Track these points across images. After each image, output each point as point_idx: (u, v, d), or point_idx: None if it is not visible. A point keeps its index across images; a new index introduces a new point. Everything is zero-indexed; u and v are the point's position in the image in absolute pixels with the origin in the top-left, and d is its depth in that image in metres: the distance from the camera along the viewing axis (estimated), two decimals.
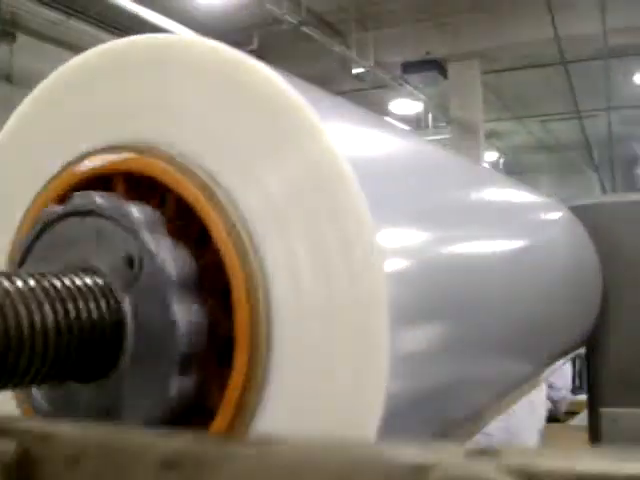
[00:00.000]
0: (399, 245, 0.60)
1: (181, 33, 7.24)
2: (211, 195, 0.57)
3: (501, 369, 1.04)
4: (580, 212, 1.69)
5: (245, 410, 0.55)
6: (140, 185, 0.61)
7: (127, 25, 6.93)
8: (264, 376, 0.55)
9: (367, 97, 10.84)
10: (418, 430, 0.81)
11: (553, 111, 11.92)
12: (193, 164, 0.59)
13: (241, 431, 0.55)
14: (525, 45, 8.97)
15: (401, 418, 0.65)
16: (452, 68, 9.47)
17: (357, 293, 0.54)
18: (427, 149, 0.92)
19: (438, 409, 0.79)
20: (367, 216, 0.54)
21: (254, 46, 8.46)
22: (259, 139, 0.58)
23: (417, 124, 11.72)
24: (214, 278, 0.57)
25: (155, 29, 6.79)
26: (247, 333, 0.55)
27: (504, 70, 10.27)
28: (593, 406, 1.82)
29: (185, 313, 0.55)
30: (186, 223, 0.58)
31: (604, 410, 1.78)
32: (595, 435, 1.81)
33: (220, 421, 0.55)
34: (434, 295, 0.67)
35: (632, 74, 10.57)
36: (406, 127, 11.25)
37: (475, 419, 1.03)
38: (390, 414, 0.61)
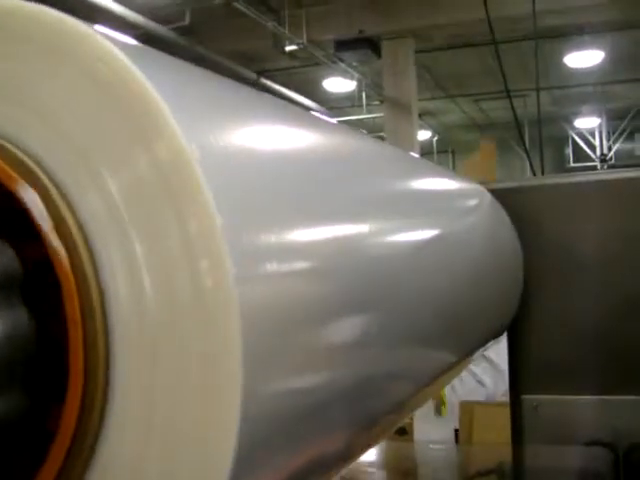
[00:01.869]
0: (257, 245, 0.54)
1: (110, 8, 7.06)
2: (30, 177, 0.51)
3: (419, 359, 1.00)
4: (502, 195, 1.66)
5: (86, 431, 0.50)
6: None
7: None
8: (104, 383, 0.50)
9: (300, 75, 10.78)
10: (341, 428, 0.76)
11: (486, 90, 12.00)
12: (17, 150, 0.52)
13: (82, 451, 0.50)
14: (458, 25, 8.98)
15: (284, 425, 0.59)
16: (386, 47, 9.44)
17: (202, 297, 0.49)
18: (325, 134, 0.85)
19: (356, 405, 0.75)
20: (214, 217, 0.49)
21: (186, 22, 8.28)
22: (98, 127, 0.52)
23: (351, 102, 11.68)
24: (47, 281, 0.50)
25: (85, 6, 6.60)
26: (80, 337, 0.49)
27: (437, 49, 10.29)
28: (514, 393, 1.80)
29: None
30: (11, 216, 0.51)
31: (525, 397, 1.77)
32: (516, 421, 1.79)
33: (59, 446, 0.49)
34: (313, 289, 0.62)
35: (562, 55, 10.67)
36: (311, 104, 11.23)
37: (397, 410, 0.99)
38: (269, 421, 0.56)
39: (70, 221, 0.51)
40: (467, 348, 1.33)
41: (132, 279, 0.50)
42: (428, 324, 0.99)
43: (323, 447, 0.69)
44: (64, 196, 0.51)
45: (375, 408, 0.83)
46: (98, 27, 0.55)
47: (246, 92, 0.76)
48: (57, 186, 0.51)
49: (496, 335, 1.65)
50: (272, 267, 0.55)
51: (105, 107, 0.51)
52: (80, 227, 0.51)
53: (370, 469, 2.18)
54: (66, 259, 0.50)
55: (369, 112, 11.73)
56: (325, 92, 11.70)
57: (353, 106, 11.69)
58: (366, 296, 0.74)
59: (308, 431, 0.63)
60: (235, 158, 0.57)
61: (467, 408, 4.72)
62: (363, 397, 0.76)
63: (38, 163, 0.52)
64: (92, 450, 0.50)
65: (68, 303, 0.49)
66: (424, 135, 14.84)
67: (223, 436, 0.49)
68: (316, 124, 0.87)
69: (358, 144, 0.96)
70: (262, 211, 0.57)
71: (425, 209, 1.07)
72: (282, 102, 0.89)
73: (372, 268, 0.77)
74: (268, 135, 0.68)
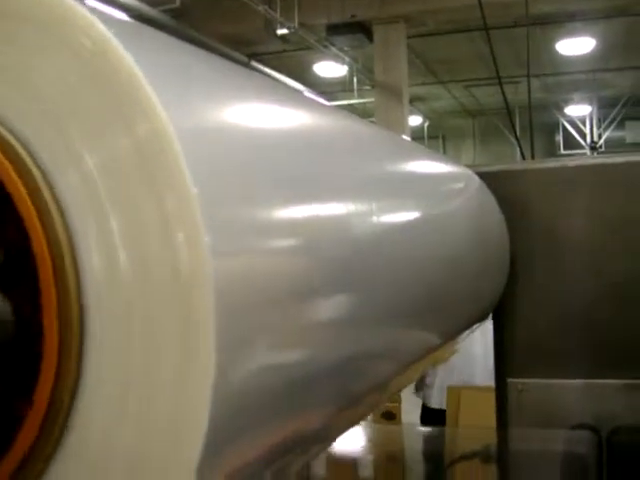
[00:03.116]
0: (234, 220, 0.54)
1: None
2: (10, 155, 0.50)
3: (401, 339, 1.00)
4: (489, 179, 1.66)
5: (59, 408, 0.50)
6: None
7: None
8: (78, 359, 0.50)
9: (292, 59, 10.74)
10: (319, 407, 0.76)
11: (477, 76, 11.98)
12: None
13: (54, 429, 0.50)
14: (450, 10, 8.96)
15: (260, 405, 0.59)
16: (377, 31, 9.41)
17: (177, 271, 0.49)
18: (309, 113, 0.85)
19: (334, 385, 0.75)
20: (190, 191, 0.48)
21: (177, 4, 8.23)
22: (77, 101, 0.51)
23: (342, 87, 11.65)
24: (22, 264, 0.50)
25: None
26: (55, 317, 0.49)
27: (429, 34, 10.27)
28: (500, 376, 1.81)
29: None
30: None
31: (510, 380, 1.77)
32: (502, 404, 1.80)
33: (31, 423, 0.49)
34: (290, 271, 0.61)
35: (554, 42, 10.67)
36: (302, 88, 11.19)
37: (378, 390, 0.99)
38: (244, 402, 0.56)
39: (47, 195, 0.50)
40: (452, 330, 1.33)
41: (108, 253, 0.50)
42: (411, 304, 0.99)
43: (300, 426, 0.69)
44: (41, 170, 0.51)
45: (355, 388, 0.83)
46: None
47: (232, 69, 0.75)
48: (34, 160, 0.51)
49: (482, 318, 1.66)
50: (250, 242, 0.55)
51: (85, 80, 0.51)
52: (57, 201, 0.50)
53: (356, 452, 2.18)
54: (42, 234, 0.49)
55: (360, 97, 11.71)
56: (316, 76, 11.67)
57: (344, 91, 11.66)
58: (348, 274, 0.74)
59: (284, 410, 0.63)
60: (215, 133, 0.57)
61: (454, 392, 4.74)
62: (342, 376, 0.76)
63: (15, 136, 0.51)
64: (64, 427, 0.50)
65: (43, 278, 0.49)
66: (415, 120, 14.83)
67: (195, 413, 0.49)
68: (301, 102, 0.87)
69: (343, 123, 0.96)
70: (240, 186, 0.56)
71: (410, 190, 1.07)
72: (268, 80, 0.89)
73: (354, 246, 0.76)
74: (250, 111, 0.67)
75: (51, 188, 0.51)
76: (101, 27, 0.51)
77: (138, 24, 0.64)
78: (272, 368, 0.59)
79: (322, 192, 0.73)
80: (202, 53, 0.70)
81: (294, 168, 0.68)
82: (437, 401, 4.96)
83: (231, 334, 0.51)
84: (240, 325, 0.52)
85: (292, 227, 0.63)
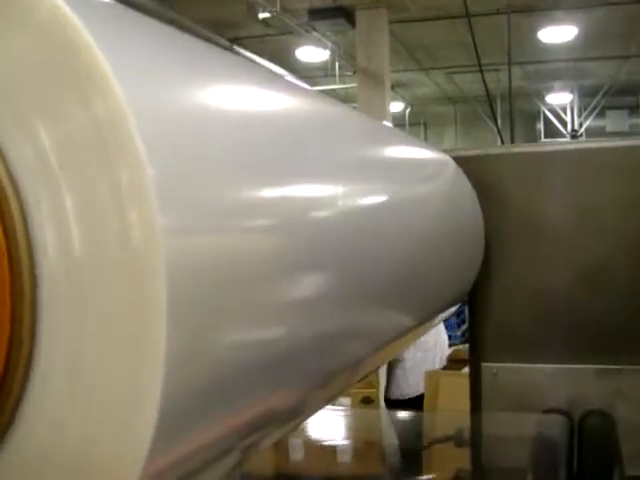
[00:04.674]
0: (190, 199, 0.53)
1: None
2: None
3: (373, 320, 1.00)
4: (465, 162, 1.66)
5: (12, 382, 0.49)
6: None
7: None
8: (31, 334, 0.50)
9: (274, 43, 10.69)
10: (299, 382, 0.76)
11: (459, 63, 11.97)
12: None
13: (8, 403, 0.49)
14: None
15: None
16: (360, 16, 9.37)
17: (130, 249, 0.48)
18: (280, 93, 0.84)
19: (300, 365, 0.75)
20: (144, 168, 0.48)
21: None
22: (31, 76, 0.50)
23: (324, 72, 11.62)
24: None
25: None
26: (7, 288, 0.48)
27: (411, 21, 10.24)
28: (474, 360, 1.82)
29: None
30: None
31: (485, 364, 1.78)
32: (475, 388, 1.81)
33: None
34: (248, 249, 0.61)
35: (536, 30, 10.67)
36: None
37: (350, 370, 0.99)
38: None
39: (0, 170, 0.50)
40: (425, 312, 1.34)
41: (61, 230, 0.49)
42: (383, 285, 0.99)
43: (256, 406, 0.68)
44: None
45: (321, 368, 0.83)
46: None
47: (200, 48, 0.74)
48: None
49: (456, 301, 1.66)
50: (205, 222, 0.55)
51: (40, 54, 0.50)
52: (10, 177, 0.50)
53: (332, 437, 2.19)
54: None
55: (342, 82, 11.68)
56: (298, 61, 11.62)
57: (326, 76, 11.63)
58: (313, 254, 0.73)
59: (240, 389, 0.62)
60: (173, 112, 0.56)
61: (432, 377, 4.77)
62: (307, 357, 0.75)
63: None
64: (18, 401, 0.50)
65: None
66: (397, 107, 14.82)
67: (148, 391, 0.48)
68: (273, 82, 0.85)
69: (315, 104, 0.95)
70: (198, 166, 0.56)
71: (382, 171, 1.06)
72: (241, 60, 0.87)
73: (320, 227, 0.76)
74: (215, 91, 0.66)
75: (3, 160, 0.50)
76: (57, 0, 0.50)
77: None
78: (226, 346, 0.58)
79: (289, 172, 0.72)
80: (169, 30, 0.69)
81: (259, 148, 0.67)
82: (397, 393, 5.16)
83: (184, 315, 0.50)
84: (194, 306, 0.52)
85: (252, 207, 0.62)
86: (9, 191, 0.49)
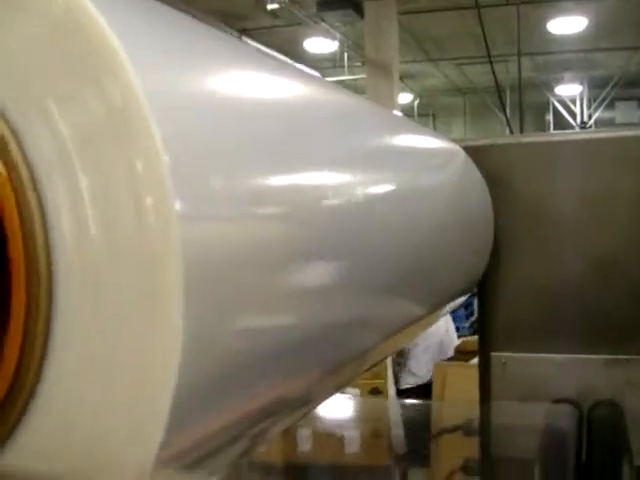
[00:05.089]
0: (206, 186, 0.53)
1: None
2: None
3: (382, 309, 1.00)
4: (475, 152, 1.65)
5: (28, 366, 0.50)
6: None
7: None
8: (47, 318, 0.50)
9: (282, 34, 10.67)
10: (309, 370, 0.76)
11: (468, 54, 11.94)
12: None
13: (24, 388, 0.50)
14: None
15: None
16: (368, 7, 9.35)
17: (145, 234, 0.49)
18: (291, 81, 0.84)
19: (311, 353, 0.75)
20: (160, 154, 0.48)
21: None
22: (48, 64, 0.51)
23: (332, 64, 11.60)
24: None
25: None
26: (23, 271, 0.49)
27: (420, 11, 10.21)
28: (483, 350, 1.82)
29: None
30: None
31: (494, 354, 1.78)
32: (485, 378, 1.81)
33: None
34: (250, 238, 0.61)
35: (546, 21, 10.63)
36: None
37: (363, 356, 1.00)
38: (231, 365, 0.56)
39: (17, 156, 0.50)
40: (434, 301, 1.34)
41: (76, 215, 0.50)
42: (393, 274, 0.99)
43: (268, 393, 0.69)
44: (12, 131, 0.50)
45: (331, 356, 0.83)
46: None
47: (213, 35, 0.74)
48: (4, 118, 0.51)
49: (466, 291, 1.66)
50: (221, 209, 0.55)
51: (55, 41, 0.50)
52: (27, 162, 0.50)
53: (341, 425, 2.20)
54: (10, 191, 0.49)
55: (350, 73, 11.65)
56: (307, 52, 11.60)
57: (335, 67, 11.61)
58: (325, 243, 0.74)
59: (253, 377, 0.62)
60: (189, 99, 0.57)
61: (441, 369, 4.78)
62: (317, 345, 0.76)
63: None
64: (34, 386, 0.51)
65: (11, 238, 0.49)
66: (405, 98, 14.79)
67: (163, 378, 0.49)
68: (284, 71, 0.85)
69: (326, 92, 0.95)
70: (214, 153, 0.56)
71: (392, 160, 1.06)
72: (251, 48, 0.88)
73: (332, 215, 0.76)
74: (228, 78, 0.67)
75: (20, 145, 0.50)
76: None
77: None
78: (241, 333, 0.59)
79: (302, 160, 0.72)
80: (183, 17, 0.70)
81: (273, 136, 0.68)
82: (405, 382, 5.22)
83: (200, 301, 0.50)
84: (209, 292, 0.52)
85: (266, 194, 0.62)
86: (25, 177, 0.50)
